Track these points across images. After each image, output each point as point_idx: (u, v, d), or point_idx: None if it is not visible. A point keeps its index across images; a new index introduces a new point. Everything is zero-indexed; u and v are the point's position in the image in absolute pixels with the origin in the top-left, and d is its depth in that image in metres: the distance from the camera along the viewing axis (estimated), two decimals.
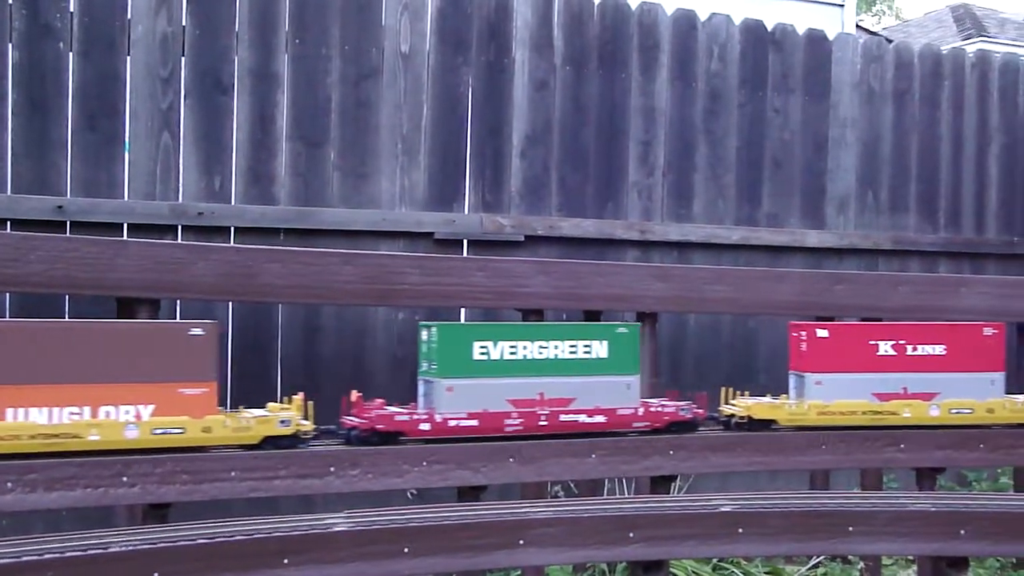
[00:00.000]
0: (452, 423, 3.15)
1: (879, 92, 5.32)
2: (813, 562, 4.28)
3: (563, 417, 3.29)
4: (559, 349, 3.30)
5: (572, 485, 4.18)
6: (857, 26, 10.82)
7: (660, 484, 3.49)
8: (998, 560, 4.17)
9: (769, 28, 5.09)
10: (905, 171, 5.38)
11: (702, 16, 4.95)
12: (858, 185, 5.27)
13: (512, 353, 3.25)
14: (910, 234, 5.35)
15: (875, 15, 28.25)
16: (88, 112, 3.87)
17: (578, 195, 4.68)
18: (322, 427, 3.15)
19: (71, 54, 3.84)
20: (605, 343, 3.36)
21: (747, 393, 3.72)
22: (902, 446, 3.64)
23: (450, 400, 3.16)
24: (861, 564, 4.23)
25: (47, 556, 2.33)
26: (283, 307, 4.04)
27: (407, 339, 4.26)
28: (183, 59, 4.00)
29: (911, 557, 4.13)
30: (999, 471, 5.24)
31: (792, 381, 3.72)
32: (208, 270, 3.27)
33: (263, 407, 3.09)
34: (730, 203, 4.99)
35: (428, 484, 3.11)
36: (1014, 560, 4.09)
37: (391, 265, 3.55)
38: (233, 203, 4.06)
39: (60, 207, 3.77)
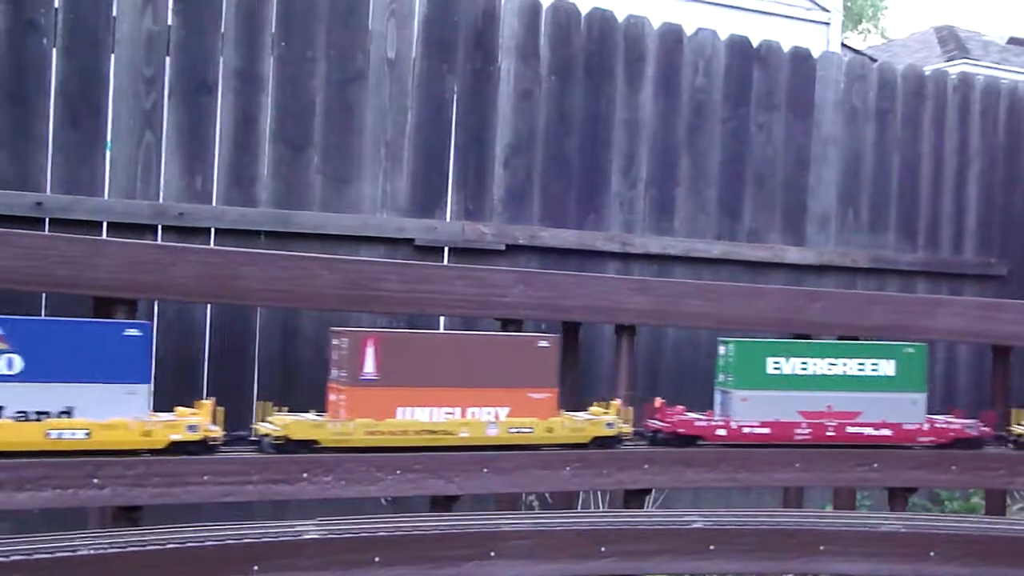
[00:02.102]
0: (746, 430, 3.40)
1: (862, 111, 5.35)
2: None
3: (850, 429, 3.48)
4: (847, 366, 3.50)
5: (548, 496, 4.17)
6: (843, 44, 10.89)
7: (634, 498, 3.50)
8: None
9: (755, 45, 5.11)
10: (885, 190, 5.41)
11: (688, 31, 4.97)
12: (839, 203, 5.30)
13: (803, 368, 3.48)
14: (889, 253, 5.39)
15: (861, 33, 28.42)
16: (70, 109, 3.85)
17: (560, 205, 4.69)
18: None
19: (54, 50, 3.82)
20: (892, 362, 3.55)
21: None
22: (875, 465, 3.66)
23: (744, 409, 3.41)
24: None
25: (14, 558, 2.31)
26: (261, 310, 4.03)
27: None
28: (168, 58, 3.98)
29: None
30: (970, 491, 5.27)
31: None
32: (186, 271, 3.25)
33: (585, 410, 3.32)
34: (711, 218, 5.00)
35: (401, 493, 3.11)
36: None
37: (371, 271, 3.54)
38: (214, 204, 4.05)
39: (39, 204, 3.74)
